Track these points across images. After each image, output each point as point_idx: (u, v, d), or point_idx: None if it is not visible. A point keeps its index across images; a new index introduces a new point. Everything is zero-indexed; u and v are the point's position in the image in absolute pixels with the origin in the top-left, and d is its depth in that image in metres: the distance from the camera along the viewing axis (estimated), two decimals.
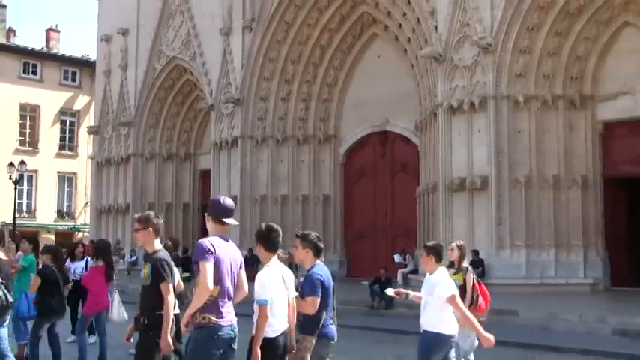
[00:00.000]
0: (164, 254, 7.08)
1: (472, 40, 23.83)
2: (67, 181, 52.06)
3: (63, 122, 52.22)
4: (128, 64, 38.06)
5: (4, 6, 54.17)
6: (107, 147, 39.12)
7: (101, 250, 12.12)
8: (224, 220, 6.71)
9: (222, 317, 6.32)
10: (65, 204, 51.18)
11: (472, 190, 23.60)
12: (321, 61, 31.60)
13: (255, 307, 6.60)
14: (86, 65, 51.62)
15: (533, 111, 23.72)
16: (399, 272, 26.57)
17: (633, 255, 24.36)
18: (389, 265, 24.24)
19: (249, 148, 31.41)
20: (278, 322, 6.72)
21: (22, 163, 39.18)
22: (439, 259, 8.38)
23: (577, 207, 23.55)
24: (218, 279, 6.31)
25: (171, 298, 6.81)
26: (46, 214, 49.59)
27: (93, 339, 12.40)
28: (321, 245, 7.50)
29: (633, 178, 23.90)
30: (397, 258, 27.45)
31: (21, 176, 40.82)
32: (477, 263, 20.65)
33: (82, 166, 50.83)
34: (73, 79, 52.92)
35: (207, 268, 6.24)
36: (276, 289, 6.70)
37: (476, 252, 21.61)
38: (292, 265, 26.50)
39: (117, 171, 38.45)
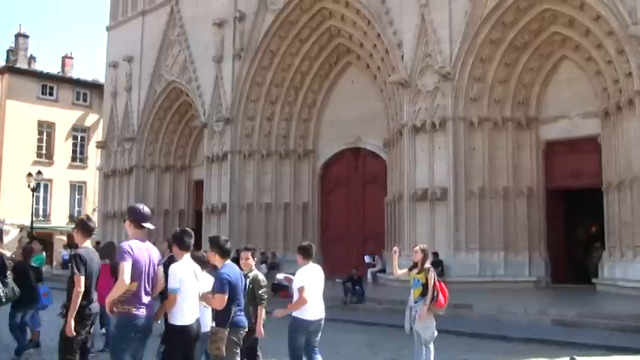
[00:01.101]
0: (82, 251, 7.14)
1: (433, 69, 23.88)
2: (77, 189, 51.58)
3: (75, 137, 51.82)
4: (132, 87, 37.67)
5: (27, 36, 53.75)
6: (113, 159, 38.68)
7: (104, 251, 11.89)
8: (143, 224, 6.88)
9: (139, 309, 6.57)
10: (76, 209, 50.57)
11: (433, 199, 23.54)
12: (302, 85, 31.46)
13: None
14: (96, 87, 51.20)
15: (486, 131, 23.78)
16: (369, 271, 26.40)
17: (570, 256, 24.53)
18: (360, 265, 24.03)
19: (238, 161, 31.12)
20: (190, 311, 6.85)
21: (39, 173, 38.90)
22: (307, 256, 8.68)
23: (523, 215, 23.61)
24: (136, 276, 6.54)
25: (79, 289, 6.88)
26: (59, 218, 49.07)
27: (103, 330, 12.17)
28: (227, 247, 7.50)
29: (570, 190, 23.97)
30: (367, 259, 27.27)
31: (38, 185, 40.49)
32: (437, 264, 20.51)
33: (91, 176, 50.42)
34: (84, 100, 52.50)
35: (126, 267, 6.46)
36: (187, 281, 6.79)
37: (436, 254, 21.47)
38: (275, 266, 26.42)
39: (121, 181, 38.01)
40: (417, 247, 10.57)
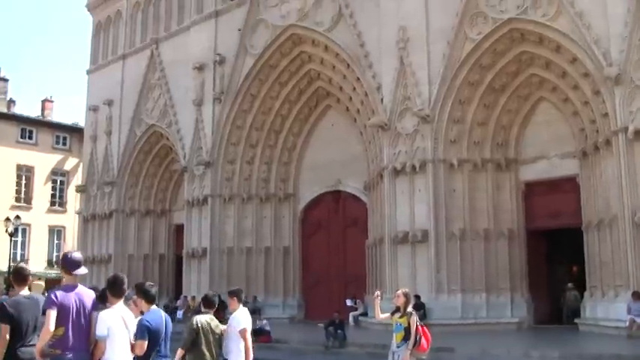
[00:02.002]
0: (10, 300, 7.21)
1: (413, 112, 24.04)
2: (56, 233, 50.97)
3: (54, 181, 51.40)
4: (112, 130, 37.62)
5: (6, 80, 53.62)
6: (92, 203, 38.38)
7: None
8: (73, 271, 7.03)
9: (67, 351, 6.74)
10: (55, 254, 49.91)
11: (414, 242, 23.50)
12: (282, 128, 31.52)
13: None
14: (76, 131, 51.00)
15: (466, 173, 23.86)
16: (351, 315, 26.18)
17: (552, 296, 24.45)
18: (342, 309, 23.89)
19: (218, 205, 30.96)
20: (118, 357, 6.93)
21: (17, 217, 38.40)
22: (240, 300, 9.32)
23: (504, 256, 23.60)
24: (63, 322, 6.74)
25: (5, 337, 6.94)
26: (37, 263, 48.19)
27: None
28: (152, 292, 7.60)
29: (550, 230, 24.04)
30: (349, 302, 27.08)
31: (16, 229, 39.92)
32: (419, 306, 20.41)
33: (70, 220, 49.89)
34: (64, 144, 52.22)
35: (51, 315, 6.67)
36: (116, 328, 6.90)
37: (418, 296, 21.34)
38: (256, 310, 26.15)
39: (101, 225, 37.68)
40: (400, 292, 10.55)
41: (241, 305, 9.32)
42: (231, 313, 9.30)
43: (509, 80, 23.97)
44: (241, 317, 9.10)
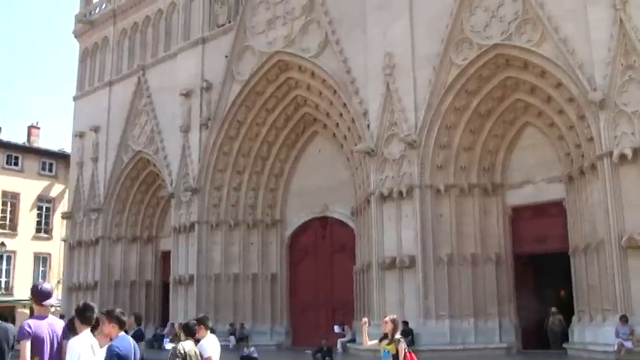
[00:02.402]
0: None
1: (399, 137, 24.14)
2: (42, 260, 50.65)
3: (40, 208, 51.15)
4: (99, 157, 37.54)
5: None
6: (78, 230, 38.14)
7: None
8: (43, 302, 7.21)
9: None
10: (40, 281, 49.70)
11: (401, 267, 23.43)
12: (269, 154, 31.50)
13: None
14: (62, 157, 50.86)
15: (453, 198, 23.90)
16: (339, 341, 26.05)
17: (540, 321, 24.38)
18: (330, 335, 23.76)
19: (205, 231, 30.82)
20: None
21: (2, 244, 38.19)
22: (206, 327, 9.71)
23: (492, 281, 23.57)
24: (37, 352, 6.91)
25: None
26: (22, 291, 47.80)
27: None
28: (123, 319, 7.62)
29: (537, 255, 24.07)
30: (337, 329, 26.95)
31: (0, 256, 39.72)
32: (407, 332, 20.36)
33: (55, 247, 49.61)
34: (50, 170, 52.06)
35: (26, 345, 6.84)
36: (85, 355, 6.96)
37: (406, 322, 21.28)
38: (244, 338, 25.98)
39: (87, 252, 37.41)
40: (387, 318, 10.51)
41: (209, 332, 9.54)
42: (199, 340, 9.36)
43: (494, 105, 24.12)
44: (208, 345, 9.27)
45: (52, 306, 7.39)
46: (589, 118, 20.61)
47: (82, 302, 7.66)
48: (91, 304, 7.51)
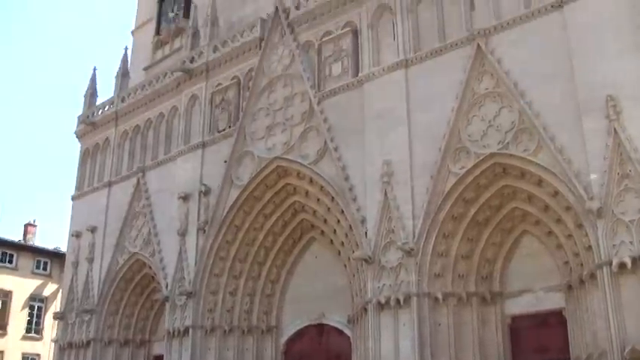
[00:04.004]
0: None
1: (397, 245, 24.07)
2: None
3: (31, 307, 50.84)
4: (94, 257, 37.34)
5: None
6: (70, 331, 37.51)
7: None
8: None
9: None
10: None
11: None
12: (266, 260, 31.29)
13: None
14: (57, 256, 50.93)
15: (451, 307, 23.58)
16: None
17: None
18: None
19: (199, 336, 30.24)
20: None
21: None
22: None
23: None
24: None
25: None
26: None
27: None
28: None
29: None
30: None
31: None
32: None
33: (45, 348, 48.88)
34: (44, 269, 52.04)
35: None
36: None
37: None
38: None
39: (77, 354, 36.63)
40: None
41: None
42: None
43: (492, 214, 24.19)
44: None
45: None
46: (587, 227, 20.62)
47: None
48: None
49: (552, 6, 23.09)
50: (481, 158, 23.24)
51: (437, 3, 26.43)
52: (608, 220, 19.88)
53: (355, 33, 28.59)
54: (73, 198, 40.82)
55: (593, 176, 20.51)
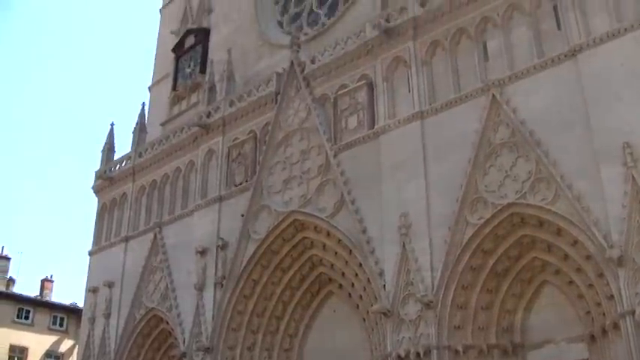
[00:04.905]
0: None
1: (416, 297, 23.96)
2: None
3: None
4: (111, 312, 37.19)
5: (8, 258, 54.22)
6: None
7: None
8: None
9: None
10: None
11: None
12: (283, 314, 31.03)
13: None
14: (73, 312, 50.90)
15: (472, 359, 23.37)
16: None
17: None
18: None
19: None
20: None
21: None
22: None
23: None
24: None
25: None
26: None
27: None
28: None
29: None
30: None
31: None
32: None
33: None
34: (61, 325, 51.98)
35: None
36: None
37: None
38: None
39: None
40: None
41: None
42: None
43: (511, 264, 24.07)
44: None
45: None
46: (608, 276, 20.51)
47: None
48: None
49: (565, 55, 23.41)
50: (499, 208, 23.24)
51: (451, 54, 26.83)
52: (630, 269, 19.78)
53: (370, 86, 28.96)
54: (90, 253, 40.89)
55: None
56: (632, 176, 20.33)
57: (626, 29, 22.16)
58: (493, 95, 24.49)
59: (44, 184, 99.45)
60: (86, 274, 40.60)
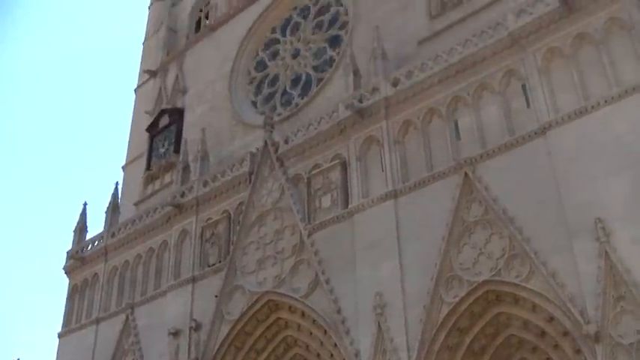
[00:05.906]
0: None
1: None
2: None
3: None
4: None
5: None
6: None
7: None
8: None
9: None
10: None
11: None
12: None
13: None
14: None
15: None
16: None
17: None
18: None
19: None
20: None
21: None
22: None
23: None
24: None
25: None
26: None
27: None
28: None
29: None
30: None
31: None
32: None
33: None
34: None
35: None
36: None
37: None
38: None
39: None
40: None
41: None
42: None
43: (488, 342, 23.80)
44: None
45: None
46: (585, 352, 20.40)
47: None
48: None
49: (536, 133, 23.77)
50: (474, 286, 23.13)
51: (423, 134, 27.12)
52: (607, 344, 19.67)
53: (344, 165, 29.10)
54: (60, 335, 39.89)
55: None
56: (606, 251, 20.40)
57: (592, 107, 22.65)
58: (465, 173, 24.68)
59: (13, 264, 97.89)
60: (55, 357, 39.61)
